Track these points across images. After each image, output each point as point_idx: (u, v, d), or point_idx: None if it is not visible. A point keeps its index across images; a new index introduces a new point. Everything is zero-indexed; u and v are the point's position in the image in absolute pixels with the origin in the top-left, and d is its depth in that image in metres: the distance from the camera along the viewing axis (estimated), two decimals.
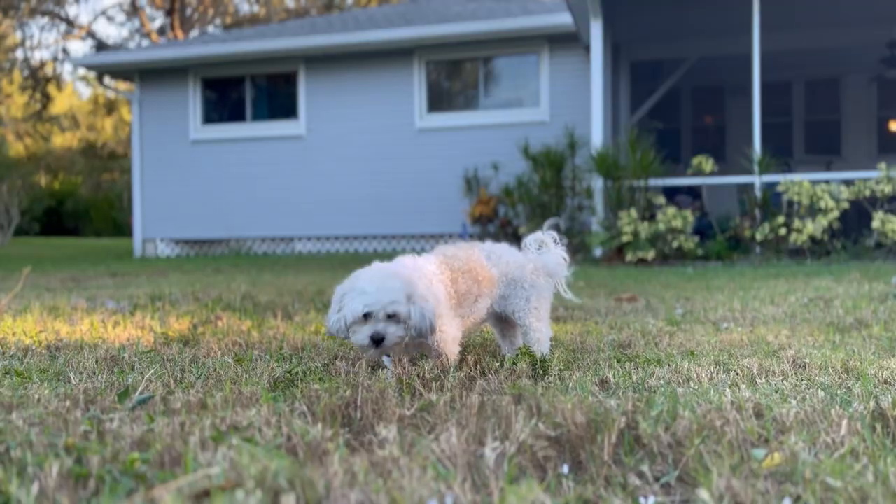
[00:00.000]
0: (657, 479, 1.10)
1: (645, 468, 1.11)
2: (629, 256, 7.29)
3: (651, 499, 1.00)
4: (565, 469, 1.11)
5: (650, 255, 7.23)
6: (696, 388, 1.53)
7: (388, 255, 9.25)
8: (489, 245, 2.04)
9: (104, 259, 10.29)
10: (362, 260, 9.67)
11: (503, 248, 2.04)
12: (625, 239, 7.35)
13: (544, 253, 2.10)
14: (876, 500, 0.93)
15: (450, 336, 1.79)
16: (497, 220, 9.59)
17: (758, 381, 1.65)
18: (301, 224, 10.93)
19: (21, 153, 27.62)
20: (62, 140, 30.49)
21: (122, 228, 24.37)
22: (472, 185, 9.92)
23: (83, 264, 8.76)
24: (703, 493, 0.93)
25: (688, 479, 1.09)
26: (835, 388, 1.52)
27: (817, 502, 0.95)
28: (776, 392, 1.49)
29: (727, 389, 1.48)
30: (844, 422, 1.23)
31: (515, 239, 9.41)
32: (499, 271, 1.95)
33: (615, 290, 4.47)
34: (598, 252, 7.81)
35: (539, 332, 1.99)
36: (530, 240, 2.13)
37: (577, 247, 8.53)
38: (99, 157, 29.21)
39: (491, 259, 1.97)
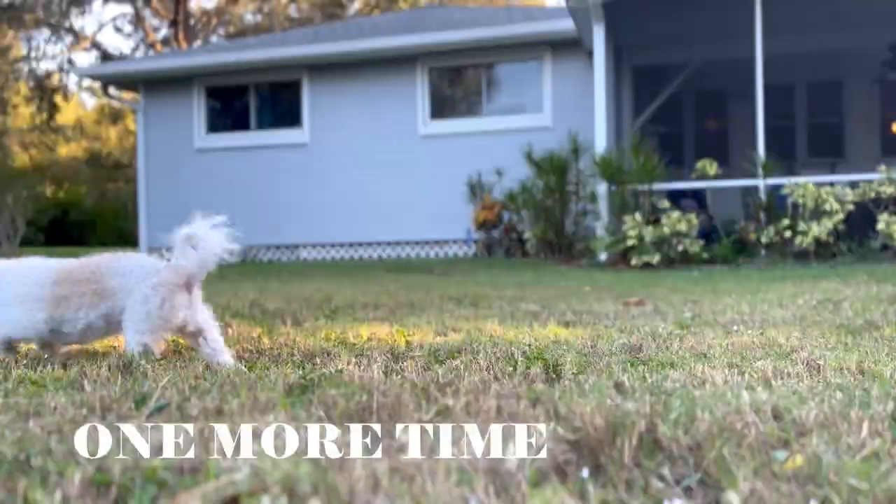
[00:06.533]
0: (678, 482, 1.09)
1: (666, 471, 1.11)
2: (634, 261, 7.28)
3: (676, 502, 1.00)
4: (585, 473, 1.11)
5: (655, 259, 7.22)
6: (713, 390, 1.53)
7: (392, 263, 9.23)
8: (127, 257, 2.07)
9: None
10: (367, 266, 9.58)
11: (131, 260, 2.05)
12: (630, 243, 7.34)
13: (191, 251, 2.02)
14: None
15: None
16: (501, 226, 9.60)
17: (773, 383, 1.65)
18: (305, 231, 10.95)
19: (26, 164, 27.73)
20: (67, 150, 30.61)
21: (127, 238, 24.41)
22: (476, 190, 9.93)
23: None
24: (732, 496, 0.93)
25: (709, 482, 1.09)
26: (852, 390, 1.52)
27: None
28: (793, 394, 1.49)
29: (743, 392, 1.47)
30: (865, 423, 1.22)
31: (520, 244, 9.43)
32: (112, 284, 2.00)
33: (622, 294, 4.46)
34: (602, 257, 7.80)
35: (128, 343, 2.02)
36: (177, 241, 2.04)
37: (582, 251, 8.53)
38: (104, 167, 29.32)
39: (107, 271, 2.02)
